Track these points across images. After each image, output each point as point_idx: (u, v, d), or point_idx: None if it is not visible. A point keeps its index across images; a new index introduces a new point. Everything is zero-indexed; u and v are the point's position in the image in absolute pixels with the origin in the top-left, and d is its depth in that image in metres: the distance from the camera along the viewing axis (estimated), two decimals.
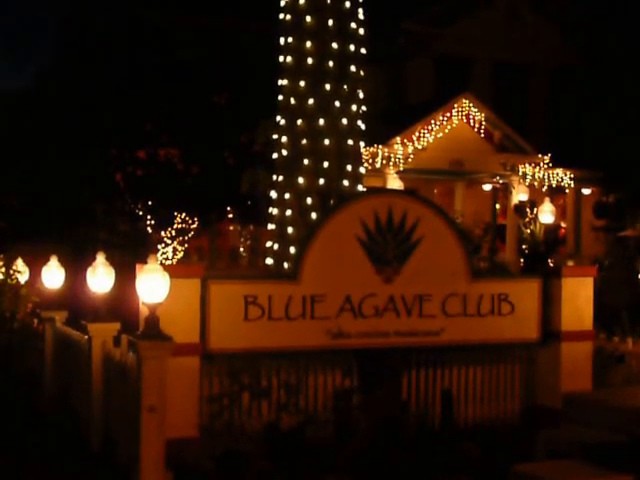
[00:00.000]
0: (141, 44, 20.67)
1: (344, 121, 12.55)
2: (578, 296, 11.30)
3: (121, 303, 11.41)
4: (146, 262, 8.39)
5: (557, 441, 8.83)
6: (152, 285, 8.28)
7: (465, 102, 25.38)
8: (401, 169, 24.44)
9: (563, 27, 30.80)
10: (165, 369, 8.40)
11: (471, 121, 25.57)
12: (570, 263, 11.91)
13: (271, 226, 12.86)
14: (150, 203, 19.45)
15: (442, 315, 10.68)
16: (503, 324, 11.02)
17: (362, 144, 12.98)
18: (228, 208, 21.22)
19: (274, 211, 12.77)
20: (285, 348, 10.10)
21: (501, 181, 27.55)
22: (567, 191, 28.84)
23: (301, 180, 12.43)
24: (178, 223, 19.95)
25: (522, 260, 19.03)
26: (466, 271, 10.80)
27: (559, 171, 27.48)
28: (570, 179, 27.86)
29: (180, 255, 20.37)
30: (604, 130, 27.18)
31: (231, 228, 24.25)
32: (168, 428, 8.74)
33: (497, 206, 30.14)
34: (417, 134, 24.69)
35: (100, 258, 10.28)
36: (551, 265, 12.17)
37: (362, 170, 12.99)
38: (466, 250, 10.92)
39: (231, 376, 9.87)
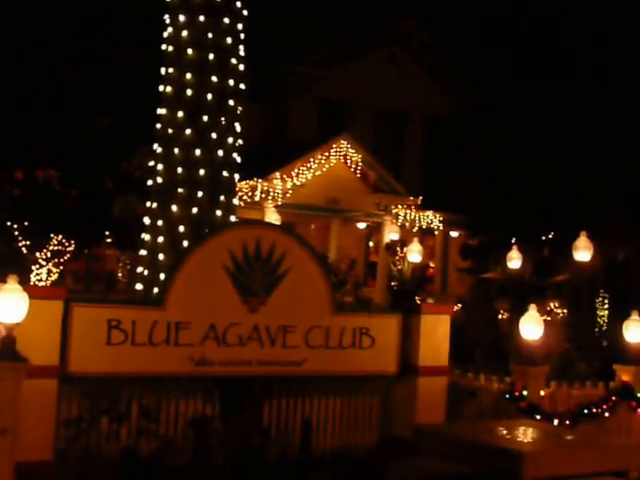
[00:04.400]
0: (23, 63, 20.10)
1: (220, 153, 12.49)
2: (435, 333, 11.40)
3: None
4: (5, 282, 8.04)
5: (407, 472, 8.82)
6: (9, 305, 7.92)
7: (343, 143, 25.67)
8: (279, 203, 24.44)
9: (440, 79, 31.53)
10: (19, 390, 8.02)
11: (348, 161, 25.86)
12: (430, 301, 12.04)
13: (143, 252, 12.60)
14: (26, 224, 18.78)
15: (305, 346, 10.58)
16: (363, 357, 11.00)
17: (237, 176, 12.91)
18: (106, 232, 20.69)
19: (146, 237, 12.52)
20: (147, 373, 9.81)
21: (375, 220, 27.86)
22: (436, 233, 29.38)
23: (175, 208, 12.26)
24: (54, 245, 19.33)
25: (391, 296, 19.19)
26: (330, 304, 10.75)
27: (429, 213, 27.99)
28: (439, 222, 28.41)
29: (55, 277, 19.71)
30: (471, 177, 27.90)
31: (108, 253, 23.67)
32: (23, 451, 8.39)
33: (371, 244, 30.46)
34: (296, 171, 24.80)
35: None
36: (418, 302, 12.27)
37: (235, 201, 12.89)
38: (330, 284, 10.90)
39: (90, 400, 9.50)
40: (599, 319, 19.06)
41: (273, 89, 27.54)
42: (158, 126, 12.74)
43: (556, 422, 10.90)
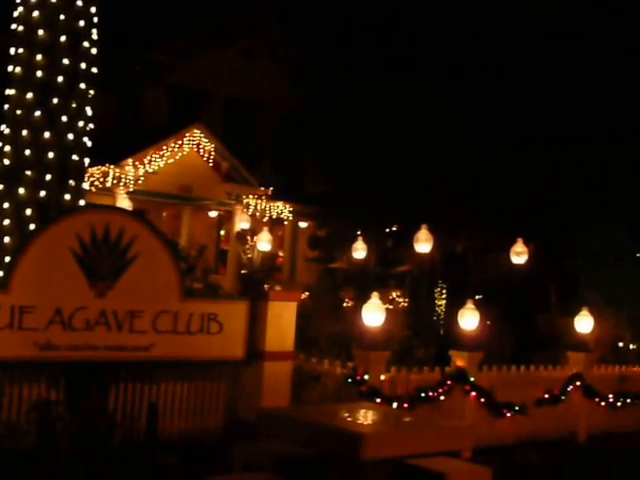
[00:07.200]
0: None
1: (70, 136, 12.09)
2: (282, 319, 11.43)
3: None
4: None
5: (252, 454, 8.80)
6: None
7: (197, 132, 25.38)
8: (131, 190, 23.91)
9: (293, 74, 31.65)
10: None
11: (201, 151, 25.59)
12: (278, 288, 12.06)
13: None
14: None
15: (153, 331, 10.38)
16: (211, 342, 10.89)
17: (87, 161, 12.52)
18: None
19: None
20: None
21: (226, 209, 27.73)
22: (286, 223, 29.52)
23: (22, 191, 11.79)
24: None
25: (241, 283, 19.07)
26: (178, 290, 10.58)
27: (279, 204, 28.09)
28: (289, 212, 28.56)
29: None
30: (320, 170, 28.16)
31: None
32: None
33: (222, 232, 30.29)
34: (149, 158, 24.32)
35: None
36: (266, 289, 12.24)
37: (85, 186, 12.52)
38: (179, 270, 10.72)
39: None
40: (437, 308, 19.61)
41: (128, 76, 26.90)
42: (6, 107, 12.22)
43: (395, 405, 11.14)
